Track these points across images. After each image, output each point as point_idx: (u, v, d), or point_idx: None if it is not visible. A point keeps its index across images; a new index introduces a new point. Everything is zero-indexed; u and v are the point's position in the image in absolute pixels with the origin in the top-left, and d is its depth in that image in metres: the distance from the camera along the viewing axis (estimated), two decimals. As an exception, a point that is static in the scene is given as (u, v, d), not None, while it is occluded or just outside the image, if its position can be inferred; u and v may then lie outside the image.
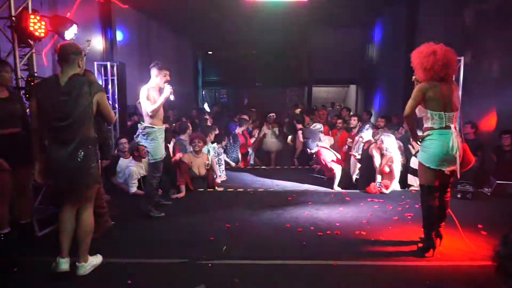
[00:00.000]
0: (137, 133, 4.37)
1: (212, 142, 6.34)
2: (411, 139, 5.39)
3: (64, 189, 2.87)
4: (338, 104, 14.54)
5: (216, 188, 5.69)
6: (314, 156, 7.11)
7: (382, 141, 5.22)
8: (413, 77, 3.44)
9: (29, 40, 4.14)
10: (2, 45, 4.28)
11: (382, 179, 5.39)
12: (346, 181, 5.88)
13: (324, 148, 5.86)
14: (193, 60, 16.97)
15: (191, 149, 5.49)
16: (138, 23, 10.72)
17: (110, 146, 5.30)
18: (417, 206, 4.27)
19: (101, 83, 7.52)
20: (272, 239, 3.67)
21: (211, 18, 11.91)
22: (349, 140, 6.71)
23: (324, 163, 5.85)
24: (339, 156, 5.94)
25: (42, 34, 4.06)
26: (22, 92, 4.06)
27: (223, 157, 6.75)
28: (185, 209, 4.67)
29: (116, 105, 7.87)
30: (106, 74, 7.68)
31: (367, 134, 5.74)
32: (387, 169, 5.31)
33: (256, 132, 8.50)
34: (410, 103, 3.21)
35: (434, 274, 2.99)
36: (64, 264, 2.85)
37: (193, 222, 4.20)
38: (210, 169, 5.65)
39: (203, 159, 5.52)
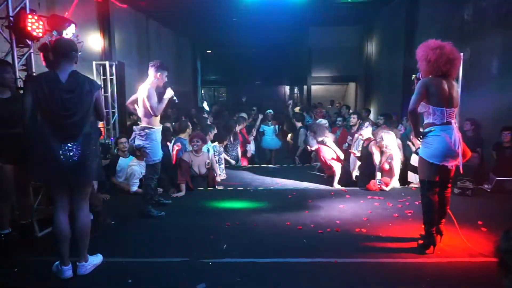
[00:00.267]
0: (133, 135, 4.30)
1: (212, 141, 6.34)
2: (412, 136, 5.39)
3: (64, 186, 2.85)
4: (338, 102, 14.55)
5: (216, 187, 5.69)
6: (313, 153, 7.12)
7: (382, 138, 5.22)
8: (413, 76, 3.44)
9: (27, 40, 4.13)
10: (0, 45, 4.28)
11: (382, 177, 5.39)
12: (346, 179, 5.87)
13: (324, 145, 5.85)
14: (192, 59, 16.97)
15: (191, 148, 5.49)
16: (137, 23, 10.71)
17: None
18: (417, 203, 4.27)
19: (99, 83, 7.53)
20: (272, 238, 3.67)
21: (210, 17, 11.92)
22: (349, 138, 6.71)
23: (323, 161, 5.85)
24: (340, 154, 5.92)
25: (40, 34, 4.04)
26: (21, 92, 4.05)
27: (223, 155, 6.75)
28: (185, 208, 4.67)
29: (116, 105, 7.87)
30: (105, 74, 7.69)
31: (366, 131, 5.74)
32: (386, 167, 5.31)
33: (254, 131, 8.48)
34: (414, 98, 3.21)
35: (434, 270, 2.98)
36: (67, 271, 2.85)
37: (193, 221, 4.20)
38: (210, 168, 5.65)
39: (203, 158, 5.52)
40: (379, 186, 5.30)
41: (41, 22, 4.04)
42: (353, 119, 7.37)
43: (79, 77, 2.81)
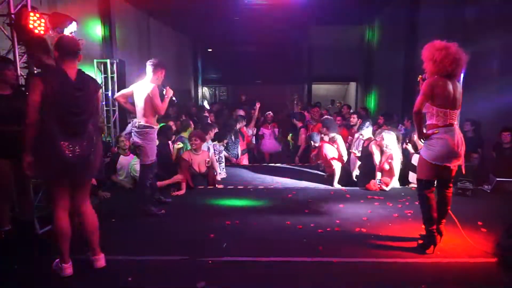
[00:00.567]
0: (128, 130, 4.24)
1: (213, 140, 6.34)
2: (414, 137, 5.38)
3: (67, 183, 2.86)
4: (338, 101, 14.54)
5: (216, 185, 5.70)
6: (316, 151, 7.13)
7: (383, 138, 5.22)
8: (419, 76, 3.44)
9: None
10: (1, 43, 4.28)
11: (382, 176, 5.40)
12: (346, 179, 5.88)
13: (327, 143, 5.84)
14: (193, 57, 16.96)
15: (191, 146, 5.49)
16: (137, 21, 10.70)
17: None
18: (417, 203, 4.24)
19: (100, 81, 7.53)
20: (272, 236, 3.68)
21: (211, 16, 11.90)
22: (349, 138, 6.71)
23: (325, 158, 5.85)
24: (345, 155, 5.92)
25: (42, 32, 4.04)
26: (22, 89, 4.05)
27: (223, 153, 6.75)
28: (185, 207, 4.68)
29: (116, 103, 7.85)
30: (105, 72, 7.68)
31: (367, 131, 5.74)
32: (387, 166, 5.31)
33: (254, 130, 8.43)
34: (420, 98, 3.20)
35: (433, 270, 2.99)
36: (68, 269, 2.87)
37: (193, 219, 4.21)
38: (210, 167, 5.66)
39: (203, 157, 5.52)
40: (379, 186, 5.31)
41: (42, 20, 4.03)
42: (353, 119, 7.38)
43: (86, 76, 2.89)
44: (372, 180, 5.36)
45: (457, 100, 3.22)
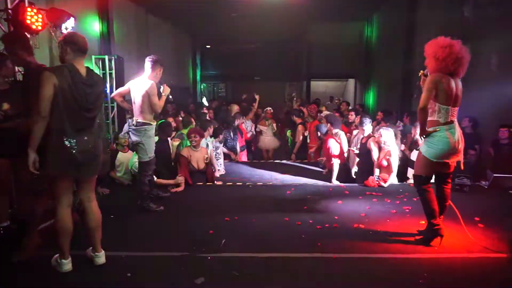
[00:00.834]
0: (126, 129, 4.24)
1: (211, 137, 6.33)
2: (417, 134, 5.39)
3: (74, 178, 2.87)
4: (337, 98, 14.54)
5: (215, 182, 5.70)
6: (314, 148, 7.13)
7: (381, 135, 5.23)
8: (420, 72, 3.43)
9: (26, 33, 4.11)
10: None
11: (380, 173, 5.41)
12: (344, 175, 5.89)
13: (333, 138, 5.84)
14: (191, 54, 16.91)
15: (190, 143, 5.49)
16: (136, 17, 10.65)
17: None
18: (415, 199, 4.29)
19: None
20: (271, 233, 3.69)
21: (210, 12, 11.86)
22: (348, 134, 6.71)
23: (328, 152, 5.85)
24: (346, 150, 5.92)
25: (39, 27, 4.03)
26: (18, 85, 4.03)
27: (221, 149, 6.75)
28: (184, 203, 4.68)
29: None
30: (104, 68, 7.66)
31: (367, 128, 5.75)
32: (385, 163, 5.32)
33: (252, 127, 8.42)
34: (424, 95, 3.19)
35: (432, 266, 3.01)
36: (67, 264, 2.88)
37: (192, 215, 4.21)
38: (209, 163, 5.66)
39: (202, 153, 5.52)
40: (377, 182, 5.32)
41: (40, 15, 4.02)
42: (351, 116, 7.38)
43: (94, 73, 2.96)
44: (371, 177, 5.38)
45: (458, 97, 3.24)
